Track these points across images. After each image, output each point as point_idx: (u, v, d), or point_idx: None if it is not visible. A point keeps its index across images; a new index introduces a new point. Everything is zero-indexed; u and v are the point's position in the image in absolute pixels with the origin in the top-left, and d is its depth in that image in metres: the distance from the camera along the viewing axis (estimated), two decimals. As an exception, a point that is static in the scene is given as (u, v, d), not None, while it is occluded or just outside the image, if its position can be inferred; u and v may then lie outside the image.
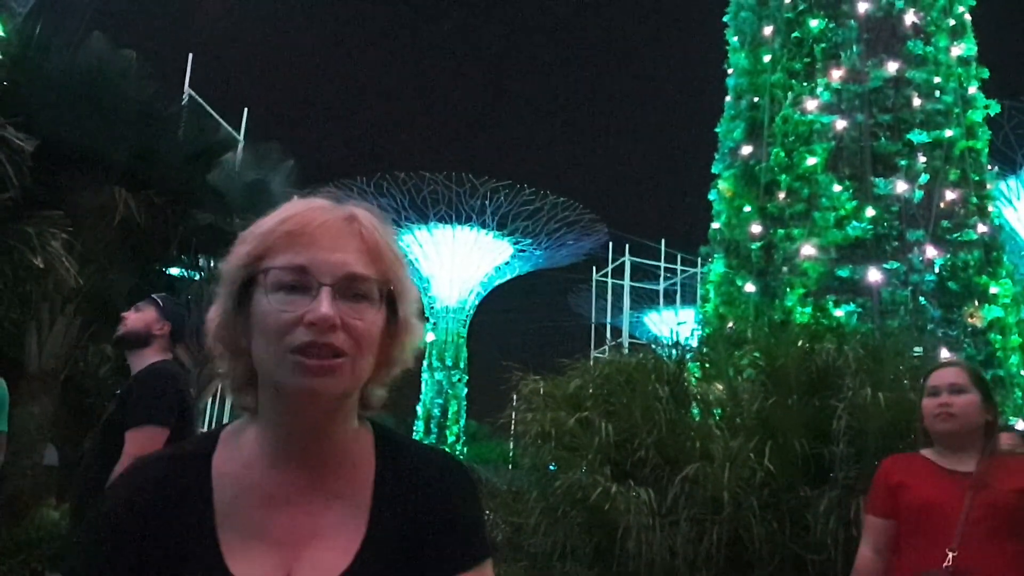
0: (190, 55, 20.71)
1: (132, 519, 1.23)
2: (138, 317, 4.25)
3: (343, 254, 1.22)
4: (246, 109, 21.18)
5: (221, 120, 18.05)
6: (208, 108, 17.90)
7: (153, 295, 4.44)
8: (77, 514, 4.16)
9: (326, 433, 1.27)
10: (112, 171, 11.15)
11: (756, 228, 12.45)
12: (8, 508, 9.91)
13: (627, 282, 33.93)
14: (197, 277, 13.19)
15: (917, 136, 12.06)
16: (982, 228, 11.92)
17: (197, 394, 12.77)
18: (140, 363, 4.19)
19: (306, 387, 1.19)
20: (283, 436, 1.27)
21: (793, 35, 13.10)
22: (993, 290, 11.42)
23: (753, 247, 12.37)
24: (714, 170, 13.71)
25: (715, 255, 13.18)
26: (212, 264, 13.23)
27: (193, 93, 18.67)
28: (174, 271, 13.18)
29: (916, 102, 12.29)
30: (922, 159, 11.99)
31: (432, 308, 48.26)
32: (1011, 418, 9.65)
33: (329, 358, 1.18)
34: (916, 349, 8.30)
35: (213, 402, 19.76)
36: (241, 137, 19.26)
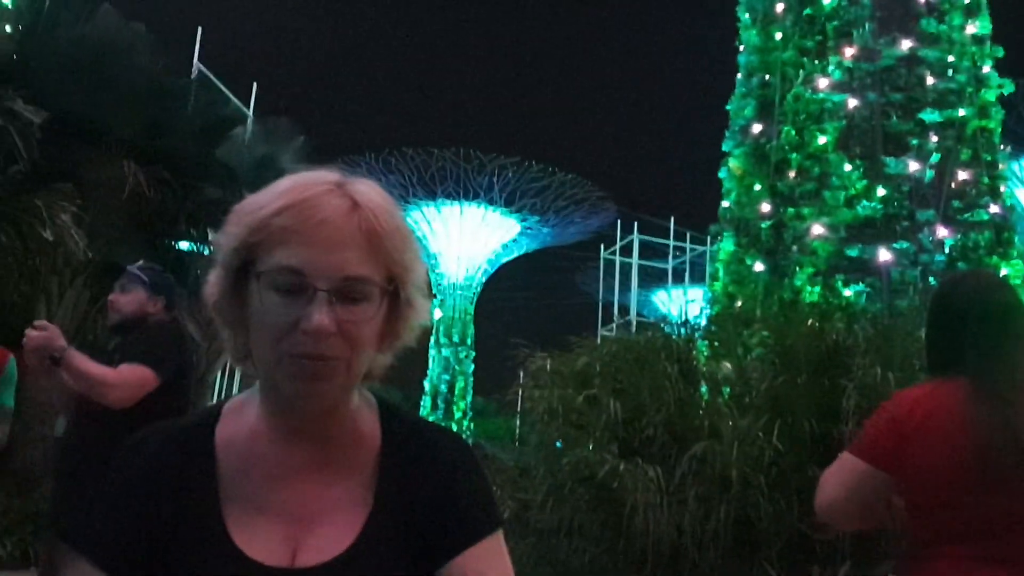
0: (199, 28, 20.61)
1: (135, 488, 1.24)
2: (130, 300, 4.13)
3: (341, 253, 1.18)
4: (255, 84, 21.09)
5: (230, 94, 18.02)
6: (217, 82, 17.87)
7: (133, 269, 4.27)
8: (67, 480, 4.08)
9: (328, 414, 1.26)
10: (121, 145, 11.15)
11: (766, 207, 12.40)
12: (19, 479, 9.97)
13: (635, 260, 33.86)
14: (206, 252, 13.20)
15: (929, 115, 11.97)
16: (993, 208, 11.85)
17: (206, 368, 12.81)
18: None
19: (301, 392, 1.19)
20: (285, 418, 1.26)
21: (805, 12, 12.99)
22: (1004, 271, 11.37)
23: (763, 226, 12.33)
24: (724, 148, 13.64)
25: (724, 234, 13.14)
26: (221, 239, 13.19)
27: (202, 67, 18.61)
28: (183, 245, 13.19)
29: (929, 81, 12.19)
30: (934, 138, 11.91)
31: (439, 285, 48.26)
32: None
33: (323, 363, 1.17)
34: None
35: (222, 376, 19.80)
36: (250, 112, 19.22)
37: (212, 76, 18.04)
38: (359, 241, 1.19)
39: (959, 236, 11.49)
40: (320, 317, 1.15)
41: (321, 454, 1.27)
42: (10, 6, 11.64)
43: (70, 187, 10.46)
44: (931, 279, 11.18)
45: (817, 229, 11.71)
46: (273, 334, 1.17)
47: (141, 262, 4.39)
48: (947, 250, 11.43)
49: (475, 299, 49.79)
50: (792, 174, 12.30)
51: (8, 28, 11.34)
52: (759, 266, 12.19)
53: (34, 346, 3.59)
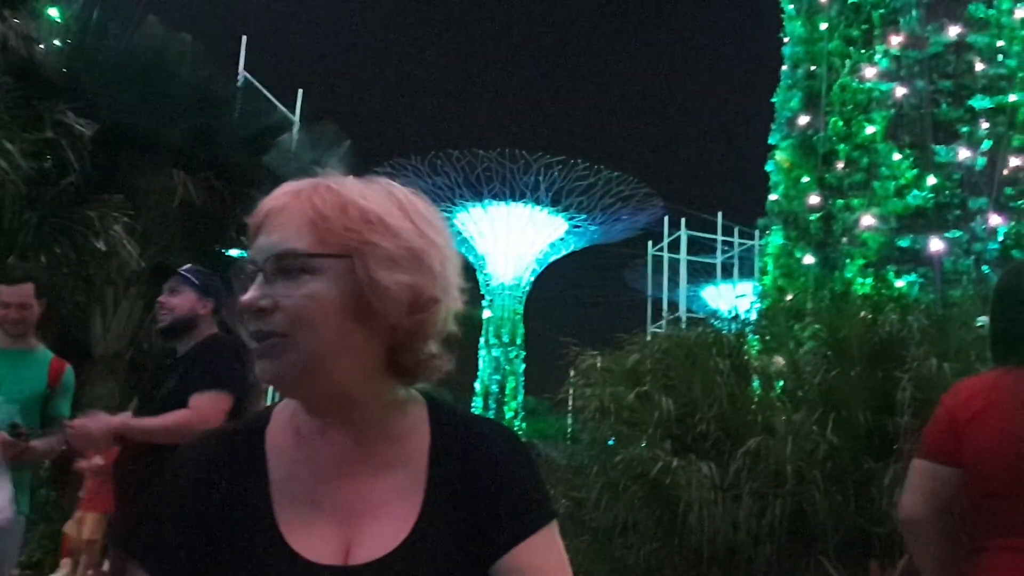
0: (244, 37, 20.85)
1: (189, 495, 1.26)
2: (181, 302, 4.12)
3: (280, 233, 1.20)
4: (301, 90, 21.27)
5: (276, 102, 18.19)
6: (263, 90, 18.06)
7: (182, 272, 4.27)
8: (127, 492, 4.10)
9: (347, 404, 1.26)
10: (170, 154, 11.31)
11: (814, 199, 12.30)
12: (77, 487, 10.15)
13: (683, 256, 33.61)
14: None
15: (979, 102, 11.80)
16: (1049, 194, 11.63)
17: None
18: (188, 343, 4.12)
19: (259, 371, 1.21)
20: (308, 410, 1.28)
21: (850, 1, 12.87)
22: (1061, 258, 11.15)
23: (812, 218, 12.24)
24: (771, 141, 13.56)
25: (773, 227, 13.05)
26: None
27: (248, 75, 18.83)
28: (233, 252, 13.35)
29: (978, 67, 12.02)
30: (984, 125, 11.74)
31: (488, 285, 48.43)
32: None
33: (264, 342, 1.19)
34: (980, 319, 8.16)
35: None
36: (297, 118, 19.39)
37: (258, 84, 18.24)
38: (300, 220, 1.21)
39: (1013, 223, 11.30)
40: (247, 295, 1.19)
41: (365, 450, 1.27)
42: (60, 21, 11.86)
43: (121, 197, 10.63)
44: (985, 268, 11.01)
45: (867, 220, 11.59)
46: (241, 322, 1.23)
47: (189, 265, 4.43)
48: (1001, 238, 11.24)
49: (524, 299, 49.86)
50: (840, 165, 12.20)
51: (57, 42, 11.55)
52: (809, 259, 12.09)
53: (87, 443, 3.64)
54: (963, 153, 11.61)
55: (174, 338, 4.19)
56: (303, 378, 1.21)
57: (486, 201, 47.70)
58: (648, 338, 8.97)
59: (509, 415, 44.67)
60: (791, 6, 14.07)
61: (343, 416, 1.27)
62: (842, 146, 12.23)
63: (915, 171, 11.60)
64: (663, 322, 29.68)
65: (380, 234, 1.21)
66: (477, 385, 47.67)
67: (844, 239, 11.84)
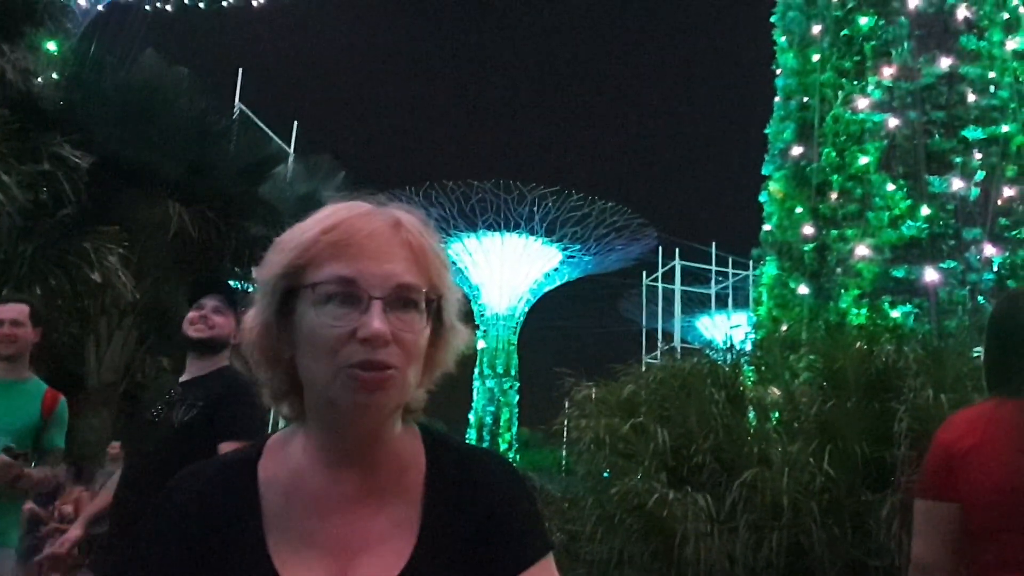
0: (240, 70, 20.95)
1: (181, 525, 1.24)
2: (225, 324, 3.96)
3: (391, 264, 1.20)
4: (296, 122, 21.36)
5: (272, 133, 18.26)
6: (258, 122, 18.13)
7: (232, 295, 4.11)
8: (121, 530, 3.98)
9: (376, 439, 1.25)
10: (166, 186, 11.33)
11: (808, 229, 12.30)
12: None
13: (678, 286, 33.67)
14: (252, 290, 13.35)
15: (972, 132, 11.82)
16: (1042, 224, 11.66)
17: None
18: (205, 367, 3.96)
19: (361, 403, 1.18)
20: (334, 443, 1.25)
21: (842, 33, 12.93)
22: (1055, 288, 11.16)
23: (806, 249, 12.22)
24: (764, 171, 13.55)
25: (767, 257, 13.03)
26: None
27: (244, 107, 18.91)
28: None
29: (970, 98, 12.05)
30: (978, 156, 11.75)
31: (482, 316, 48.41)
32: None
33: (381, 372, 1.17)
34: (976, 349, 8.13)
35: (270, 414, 19.94)
36: (291, 150, 19.46)
37: (253, 116, 18.32)
38: (405, 254, 1.22)
39: (1007, 254, 11.31)
40: (379, 324, 1.16)
41: (366, 483, 1.26)
42: (57, 54, 11.90)
43: (117, 229, 10.64)
44: (980, 298, 11.00)
45: (861, 250, 11.59)
46: (329, 346, 1.17)
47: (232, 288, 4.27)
48: (995, 268, 11.24)
49: (518, 329, 49.82)
50: (834, 196, 12.20)
51: (55, 75, 11.59)
52: (803, 289, 12.07)
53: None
54: (957, 183, 11.63)
55: (199, 353, 4.01)
56: (393, 412, 1.24)
57: (480, 231, 47.81)
58: (643, 369, 8.95)
59: (503, 447, 44.50)
60: (783, 38, 14.13)
61: (369, 450, 1.26)
62: (835, 177, 12.24)
63: (909, 201, 11.61)
64: (658, 352, 29.65)
65: (452, 282, 1.28)
66: (471, 416, 47.55)
67: (838, 269, 11.83)
